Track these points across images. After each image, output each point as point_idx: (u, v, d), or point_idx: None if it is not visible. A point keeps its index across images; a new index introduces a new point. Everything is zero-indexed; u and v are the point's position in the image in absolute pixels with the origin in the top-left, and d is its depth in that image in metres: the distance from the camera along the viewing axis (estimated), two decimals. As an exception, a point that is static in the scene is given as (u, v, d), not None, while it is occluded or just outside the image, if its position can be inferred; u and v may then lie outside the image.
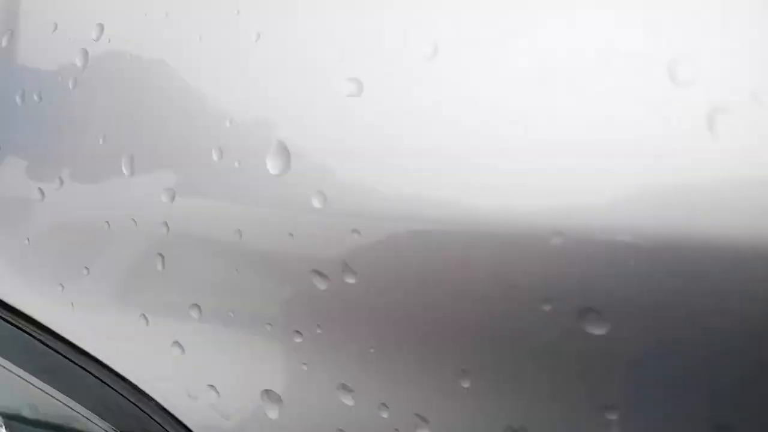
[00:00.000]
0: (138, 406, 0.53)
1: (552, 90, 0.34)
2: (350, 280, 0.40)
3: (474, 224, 0.36)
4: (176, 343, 0.50)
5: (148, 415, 0.52)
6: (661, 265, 0.32)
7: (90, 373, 0.55)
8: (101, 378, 0.55)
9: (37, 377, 0.57)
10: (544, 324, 0.35)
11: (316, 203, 0.41)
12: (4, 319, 0.60)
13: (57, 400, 0.55)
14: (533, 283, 0.35)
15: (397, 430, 0.41)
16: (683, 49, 0.31)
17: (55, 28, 0.57)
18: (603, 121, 0.33)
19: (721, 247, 0.31)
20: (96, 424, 0.54)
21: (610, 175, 0.33)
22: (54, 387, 0.56)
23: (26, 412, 0.58)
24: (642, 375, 0.34)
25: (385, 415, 0.41)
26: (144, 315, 0.51)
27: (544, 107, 0.34)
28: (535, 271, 0.35)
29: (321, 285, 0.42)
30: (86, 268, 0.53)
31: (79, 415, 0.54)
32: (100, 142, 0.52)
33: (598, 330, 0.34)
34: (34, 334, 0.58)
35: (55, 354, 0.57)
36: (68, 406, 0.55)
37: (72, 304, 0.55)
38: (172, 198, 0.47)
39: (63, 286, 0.55)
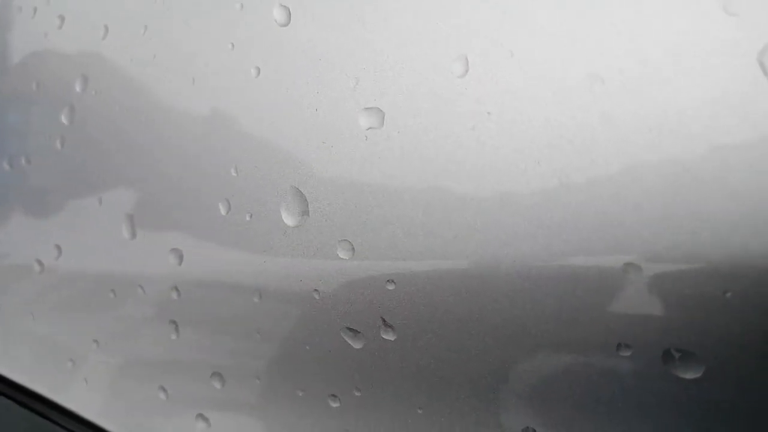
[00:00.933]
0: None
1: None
2: (388, 337, 0.36)
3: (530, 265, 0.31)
4: (200, 416, 0.45)
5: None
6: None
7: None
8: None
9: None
10: (621, 371, 0.30)
11: (342, 254, 0.36)
12: (12, 399, 0.55)
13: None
14: (605, 325, 0.30)
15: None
16: None
17: (38, 85, 0.53)
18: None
19: None
20: None
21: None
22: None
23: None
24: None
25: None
26: (163, 388, 0.46)
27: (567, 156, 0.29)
28: (604, 312, 0.30)
29: (356, 344, 0.37)
30: (95, 341, 0.49)
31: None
32: (98, 204, 0.47)
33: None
34: (47, 414, 0.53)
35: (72, 435, 0.52)
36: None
37: (85, 380, 0.50)
38: (180, 260, 0.43)
39: (73, 362, 0.51)
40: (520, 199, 0.31)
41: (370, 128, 0.35)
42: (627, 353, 0.30)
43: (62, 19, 0.53)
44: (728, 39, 0.27)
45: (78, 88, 0.50)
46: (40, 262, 0.51)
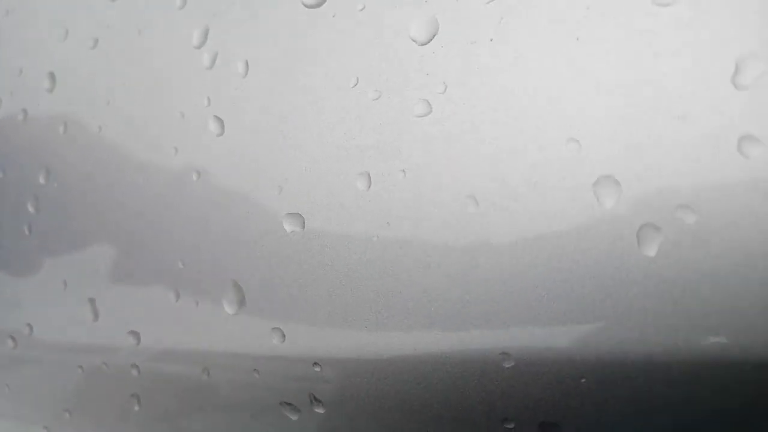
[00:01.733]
0: None
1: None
2: (319, 410, 0.41)
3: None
4: (165, 477, 0.50)
5: None
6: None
7: None
8: None
9: None
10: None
11: (275, 340, 0.41)
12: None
13: None
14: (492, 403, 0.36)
15: None
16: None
17: (4, 173, 0.58)
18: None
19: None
20: None
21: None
22: None
23: None
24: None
25: None
26: (130, 453, 0.51)
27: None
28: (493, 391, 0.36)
29: (292, 416, 0.42)
30: (68, 411, 0.54)
31: None
32: (63, 288, 0.52)
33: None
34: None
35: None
36: None
37: (59, 446, 0.55)
38: (138, 341, 0.48)
39: (48, 429, 0.56)
40: (418, 296, 0.37)
41: (293, 231, 0.40)
42: (511, 425, 0.36)
43: (25, 113, 0.58)
44: (569, 170, 0.32)
45: (42, 180, 0.54)
46: (13, 339, 0.56)
